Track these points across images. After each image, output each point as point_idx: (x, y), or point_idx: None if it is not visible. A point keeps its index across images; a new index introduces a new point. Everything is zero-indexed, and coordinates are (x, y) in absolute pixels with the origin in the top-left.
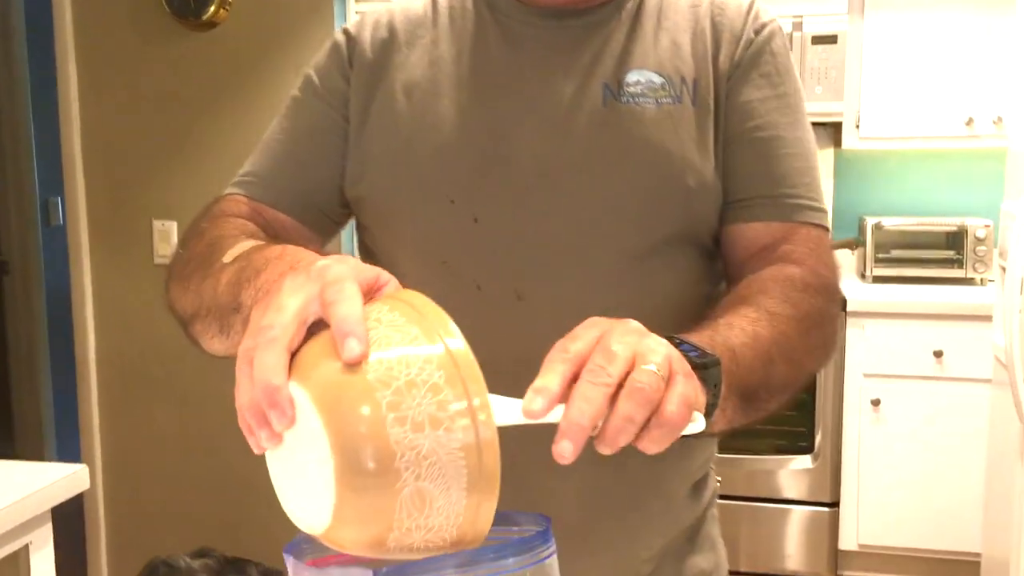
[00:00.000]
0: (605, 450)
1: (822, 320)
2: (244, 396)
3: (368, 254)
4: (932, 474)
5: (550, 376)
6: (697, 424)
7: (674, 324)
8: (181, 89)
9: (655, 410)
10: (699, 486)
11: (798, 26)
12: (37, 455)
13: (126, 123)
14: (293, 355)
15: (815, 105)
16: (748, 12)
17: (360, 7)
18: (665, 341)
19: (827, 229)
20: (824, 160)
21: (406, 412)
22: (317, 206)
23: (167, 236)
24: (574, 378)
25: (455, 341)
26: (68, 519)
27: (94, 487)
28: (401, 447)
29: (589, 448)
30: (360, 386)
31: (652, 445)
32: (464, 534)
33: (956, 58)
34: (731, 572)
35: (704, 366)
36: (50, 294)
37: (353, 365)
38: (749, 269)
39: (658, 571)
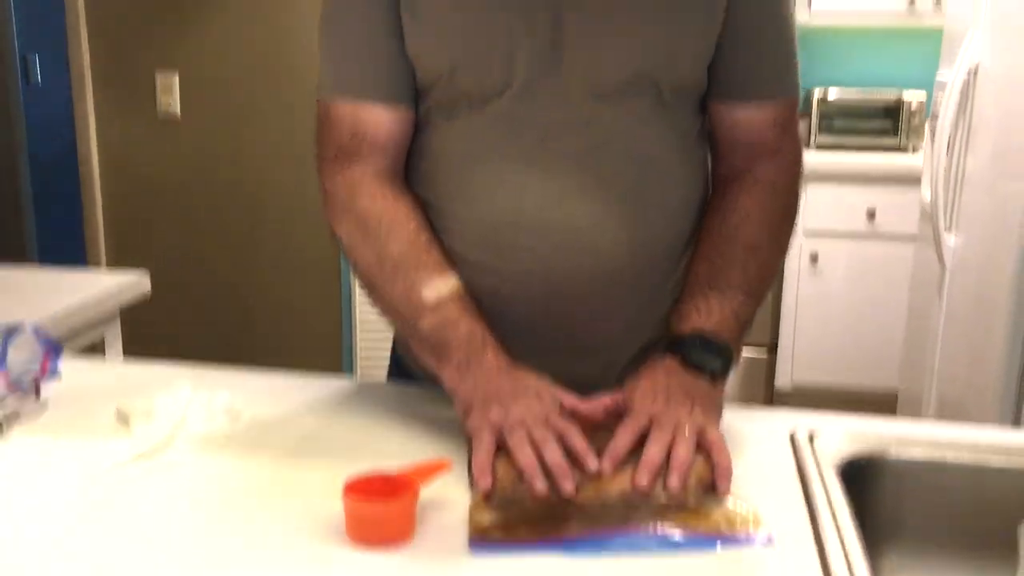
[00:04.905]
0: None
1: (792, 219)
2: (556, 456)
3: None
4: (860, 320)
5: (621, 440)
6: None
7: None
8: None
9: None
10: None
11: None
12: None
13: None
14: None
15: None
16: None
17: None
18: (687, 412)
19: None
20: None
21: None
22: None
23: (169, 88)
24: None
25: None
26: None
27: None
28: None
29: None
30: None
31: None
32: None
33: None
34: None
35: (722, 373)
36: (35, 154)
37: None
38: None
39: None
